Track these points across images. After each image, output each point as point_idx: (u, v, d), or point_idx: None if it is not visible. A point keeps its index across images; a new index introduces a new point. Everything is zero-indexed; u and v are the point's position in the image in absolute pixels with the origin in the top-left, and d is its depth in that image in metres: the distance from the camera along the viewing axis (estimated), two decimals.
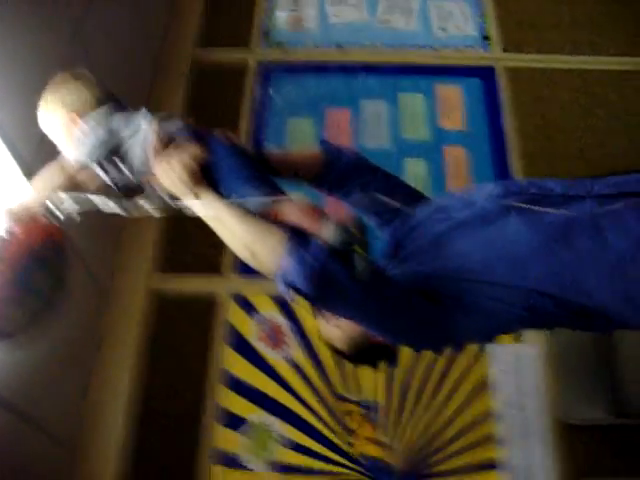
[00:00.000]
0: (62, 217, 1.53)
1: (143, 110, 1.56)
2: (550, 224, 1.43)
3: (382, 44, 3.85)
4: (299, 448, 2.75)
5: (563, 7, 3.97)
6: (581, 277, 1.39)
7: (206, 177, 1.48)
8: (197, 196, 1.45)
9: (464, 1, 4.04)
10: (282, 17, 3.98)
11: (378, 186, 1.71)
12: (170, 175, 1.46)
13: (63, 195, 1.51)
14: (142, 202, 1.53)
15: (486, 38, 3.86)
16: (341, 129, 3.54)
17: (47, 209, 1.52)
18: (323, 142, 1.75)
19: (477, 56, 3.81)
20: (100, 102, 1.55)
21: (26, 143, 2.16)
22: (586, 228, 1.41)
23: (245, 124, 3.52)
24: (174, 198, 1.51)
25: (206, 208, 1.44)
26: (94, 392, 2.82)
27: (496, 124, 3.53)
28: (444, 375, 2.86)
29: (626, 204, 1.44)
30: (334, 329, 1.63)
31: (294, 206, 1.43)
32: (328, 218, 1.41)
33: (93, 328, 2.86)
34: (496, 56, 3.79)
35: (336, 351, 1.68)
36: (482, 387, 2.85)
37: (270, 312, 2.99)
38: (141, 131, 1.52)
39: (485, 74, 3.72)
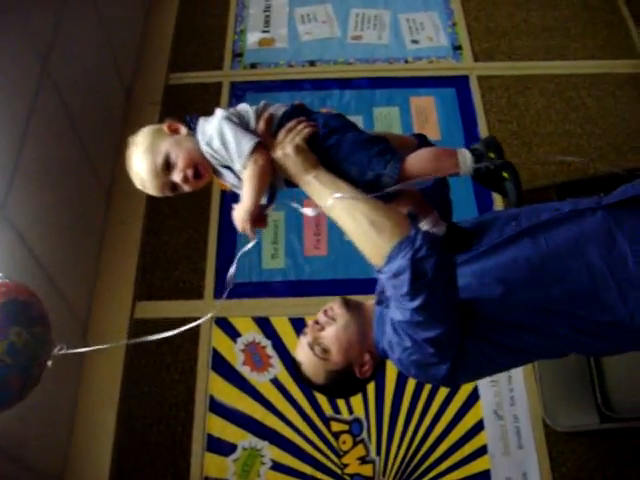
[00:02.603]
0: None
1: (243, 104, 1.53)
2: (563, 241, 1.43)
3: (355, 59, 3.85)
4: (290, 472, 2.71)
5: (533, 14, 3.99)
6: (601, 289, 1.38)
7: (323, 155, 1.45)
8: (316, 176, 1.41)
9: (434, 12, 4.05)
10: (253, 38, 3.98)
11: (444, 194, 1.69)
12: (286, 160, 1.43)
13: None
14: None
15: (458, 48, 3.87)
16: None
17: None
18: (417, 134, 1.69)
19: (450, 66, 3.81)
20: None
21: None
22: (599, 239, 1.41)
23: None
24: (290, 184, 1.49)
25: (325, 190, 1.40)
26: (79, 424, 2.77)
27: (472, 133, 3.52)
28: (434, 391, 2.82)
29: (637, 208, 1.44)
30: (318, 361, 1.60)
31: (420, 154, 1.41)
32: (458, 152, 1.40)
33: (74, 361, 2.82)
34: (468, 65, 3.79)
35: (312, 384, 1.66)
36: (472, 400, 2.82)
37: (253, 333, 2.96)
38: (251, 118, 1.48)
39: (459, 84, 3.73)
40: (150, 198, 3.21)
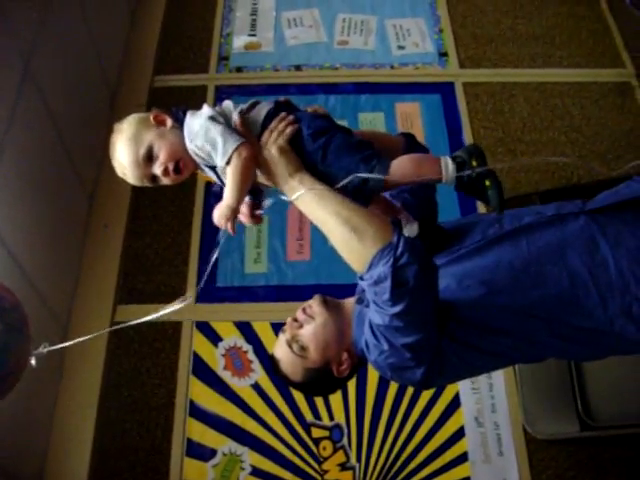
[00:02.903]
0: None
1: (227, 101, 1.50)
2: (545, 245, 1.43)
3: (341, 64, 3.85)
4: (269, 477, 2.69)
5: (519, 21, 4.01)
6: (582, 295, 1.39)
7: (308, 157, 1.44)
8: (301, 180, 1.40)
9: (421, 18, 4.06)
10: (240, 41, 3.97)
11: (430, 194, 1.73)
12: (269, 162, 1.41)
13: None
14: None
15: (444, 54, 3.88)
16: None
17: None
18: (405, 133, 1.69)
19: (436, 73, 3.82)
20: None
21: None
22: (581, 244, 1.42)
23: None
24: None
25: (307, 193, 1.39)
26: (57, 428, 2.75)
27: (457, 140, 3.52)
28: (415, 397, 2.81)
29: (618, 214, 1.45)
30: (296, 358, 1.59)
31: (403, 161, 1.40)
32: (441, 159, 1.39)
33: (54, 364, 2.80)
34: (454, 72, 3.80)
35: (290, 381, 1.65)
36: (453, 406, 2.81)
37: (234, 338, 2.95)
38: (232, 119, 1.46)
39: (444, 90, 3.73)
40: (133, 202, 3.26)
